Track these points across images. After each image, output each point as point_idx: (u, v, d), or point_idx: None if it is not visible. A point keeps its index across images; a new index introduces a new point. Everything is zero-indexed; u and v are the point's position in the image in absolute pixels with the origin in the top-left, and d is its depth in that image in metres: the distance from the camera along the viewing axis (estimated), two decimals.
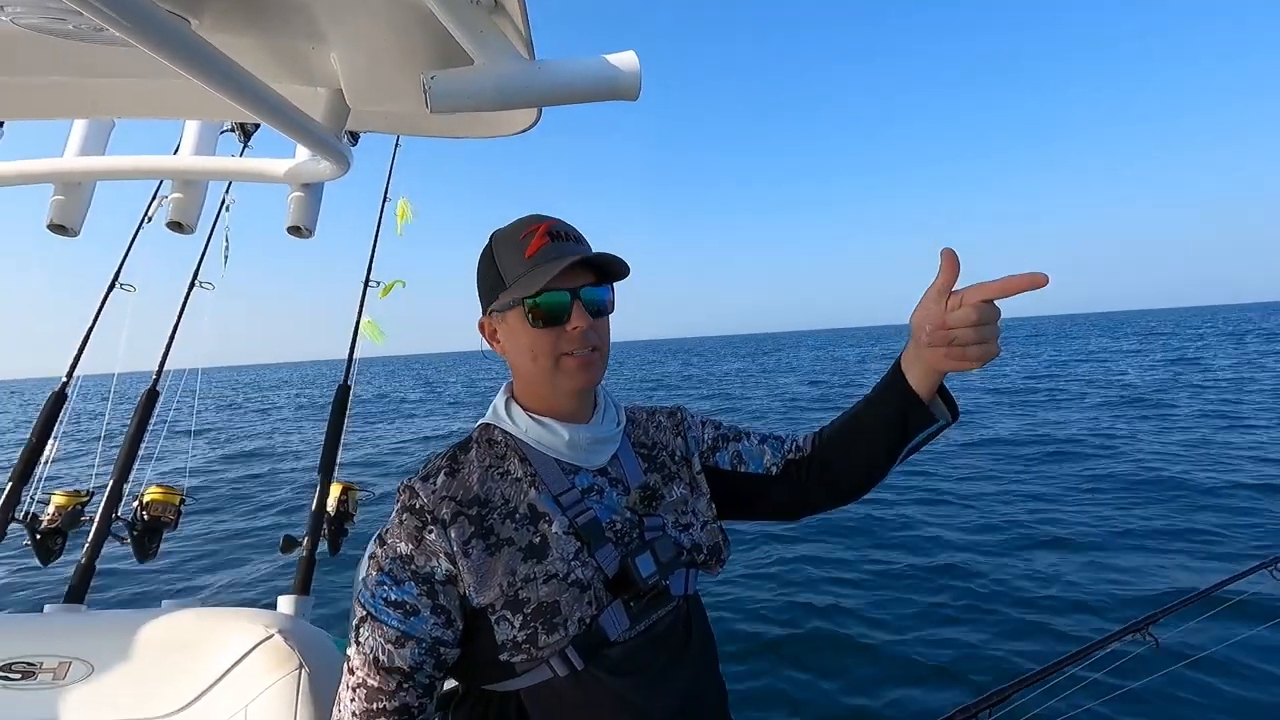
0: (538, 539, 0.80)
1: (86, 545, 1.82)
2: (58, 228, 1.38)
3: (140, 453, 2.03)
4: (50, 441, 1.90)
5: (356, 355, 2.31)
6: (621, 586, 0.81)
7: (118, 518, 1.92)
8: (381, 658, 0.75)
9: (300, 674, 1.16)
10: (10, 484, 1.80)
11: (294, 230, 1.50)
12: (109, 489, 1.94)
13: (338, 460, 2.08)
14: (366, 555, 0.88)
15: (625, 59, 0.78)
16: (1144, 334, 46.55)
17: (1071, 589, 4.43)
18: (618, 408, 0.96)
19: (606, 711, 0.78)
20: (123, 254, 2.16)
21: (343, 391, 2.20)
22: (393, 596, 0.76)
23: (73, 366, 2.05)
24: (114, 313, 2.16)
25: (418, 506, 0.79)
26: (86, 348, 2.09)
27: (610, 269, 0.84)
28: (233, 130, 1.79)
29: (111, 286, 2.16)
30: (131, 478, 1.99)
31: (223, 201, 2.17)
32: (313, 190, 1.48)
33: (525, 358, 0.84)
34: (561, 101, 0.81)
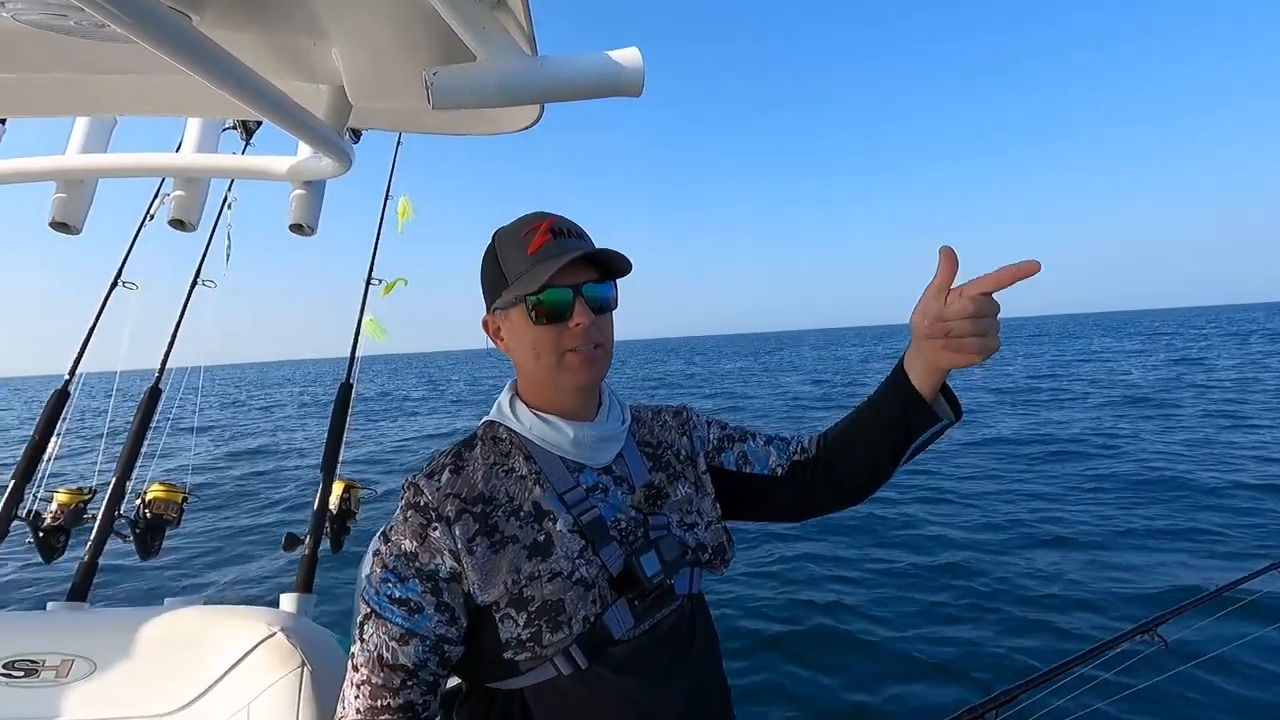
0: (542, 537, 0.80)
1: (89, 543, 1.82)
2: (60, 225, 1.37)
3: (143, 450, 2.04)
4: (53, 439, 1.91)
5: (359, 354, 2.32)
6: (626, 585, 0.81)
7: (120, 515, 1.92)
8: (386, 655, 0.75)
9: (302, 672, 1.16)
10: (13, 482, 1.81)
11: (296, 228, 1.49)
12: (112, 486, 1.94)
13: (340, 458, 2.08)
14: (370, 552, 0.88)
15: (628, 55, 0.78)
16: (1148, 334, 46.44)
17: (1073, 588, 4.42)
18: (623, 406, 0.96)
19: (611, 710, 0.78)
20: (125, 252, 2.16)
21: (345, 390, 2.20)
22: (397, 594, 0.76)
23: (75, 364, 2.05)
24: (116, 311, 2.16)
25: (422, 503, 0.79)
26: (89, 346, 2.10)
27: (613, 265, 0.84)
28: (234, 128, 1.79)
29: (114, 284, 2.16)
30: (134, 475, 2.00)
31: (225, 199, 2.17)
32: (314, 188, 1.48)
33: (528, 355, 0.83)
34: (564, 98, 0.81)
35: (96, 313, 2.12)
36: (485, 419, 0.91)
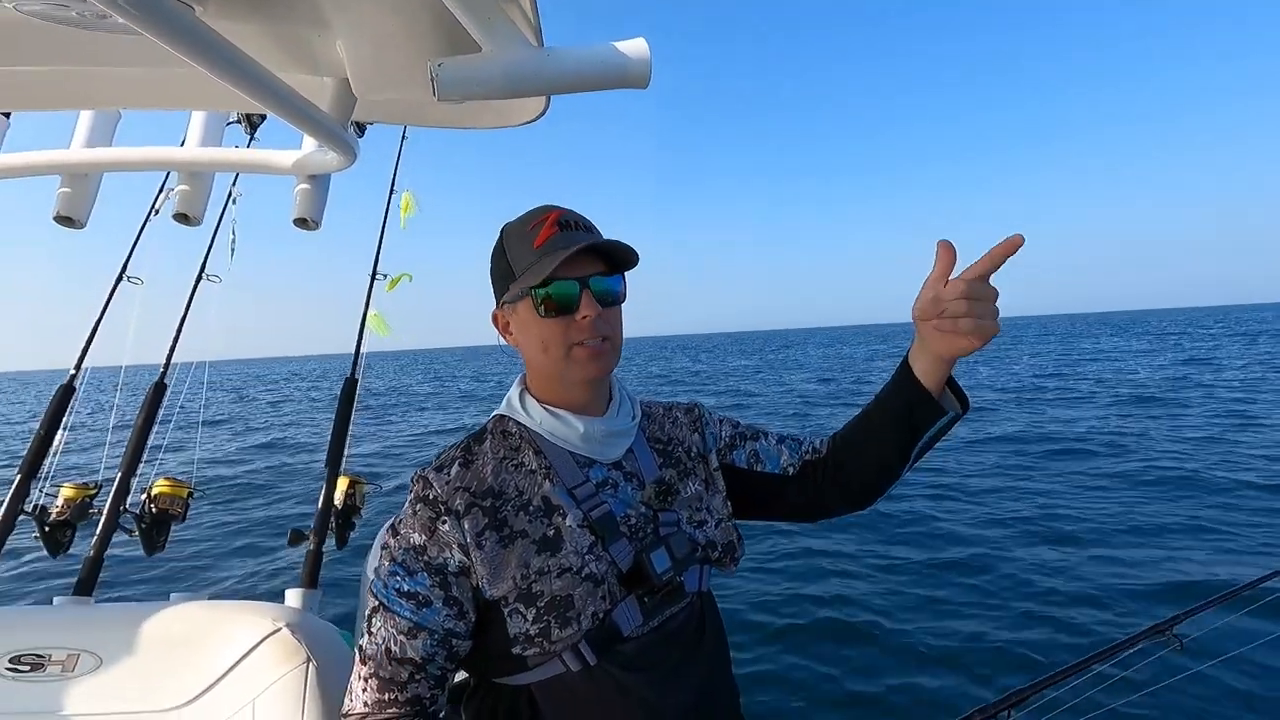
0: (551, 532, 0.79)
1: (95, 537, 1.83)
2: (64, 219, 1.37)
3: (149, 444, 2.04)
4: (59, 433, 1.91)
5: (364, 349, 2.31)
6: (635, 581, 0.80)
7: (126, 510, 1.92)
8: (394, 648, 0.74)
9: (308, 668, 1.16)
10: (19, 476, 1.81)
11: (300, 222, 1.49)
12: (117, 481, 1.94)
13: (345, 453, 2.08)
14: (379, 545, 0.88)
15: (635, 46, 0.77)
16: (1155, 334, 46.17)
17: (1080, 584, 4.41)
18: (633, 401, 0.95)
19: (619, 707, 0.77)
20: (130, 246, 2.16)
21: (350, 385, 2.20)
22: (405, 587, 0.76)
23: (80, 359, 2.05)
24: (121, 305, 2.16)
25: (431, 497, 0.79)
26: (94, 340, 2.10)
27: (620, 257, 0.83)
28: (238, 122, 1.78)
29: (119, 279, 2.16)
30: (139, 470, 2.00)
31: (229, 194, 2.16)
32: (319, 182, 1.47)
33: (536, 349, 0.83)
34: (571, 90, 0.80)
35: (102, 307, 2.12)
36: (495, 413, 0.91)
